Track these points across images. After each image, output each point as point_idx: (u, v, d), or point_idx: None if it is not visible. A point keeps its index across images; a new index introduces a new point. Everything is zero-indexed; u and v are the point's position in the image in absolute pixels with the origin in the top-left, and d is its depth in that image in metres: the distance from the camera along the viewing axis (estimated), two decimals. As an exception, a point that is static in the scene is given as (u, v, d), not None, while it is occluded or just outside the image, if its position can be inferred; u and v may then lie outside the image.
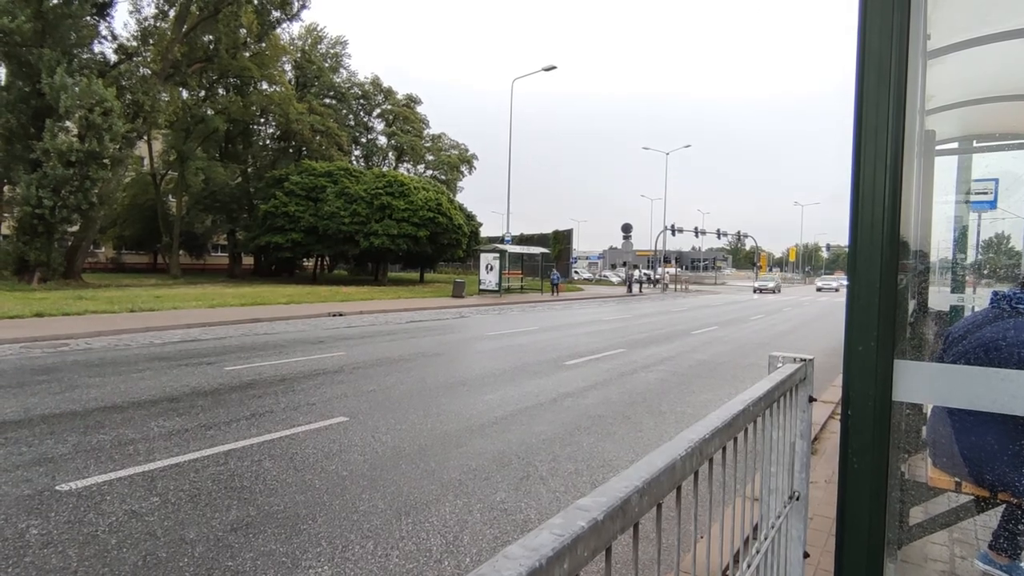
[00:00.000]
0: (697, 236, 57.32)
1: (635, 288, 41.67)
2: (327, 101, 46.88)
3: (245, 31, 32.69)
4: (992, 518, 2.82)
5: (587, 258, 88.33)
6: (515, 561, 0.60)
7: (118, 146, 24.28)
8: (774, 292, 45.35)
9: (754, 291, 42.47)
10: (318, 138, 41.96)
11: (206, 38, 31.36)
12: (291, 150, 43.58)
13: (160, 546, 3.37)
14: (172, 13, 29.70)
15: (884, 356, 1.58)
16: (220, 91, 38.59)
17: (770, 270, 65.33)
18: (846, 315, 1.62)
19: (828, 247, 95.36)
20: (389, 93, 52.01)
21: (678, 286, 51.88)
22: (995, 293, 2.58)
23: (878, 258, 1.57)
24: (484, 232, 47.30)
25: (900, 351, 1.70)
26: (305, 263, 46.06)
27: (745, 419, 1.32)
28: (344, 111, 48.77)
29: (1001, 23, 2.95)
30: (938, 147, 4.31)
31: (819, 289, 50.83)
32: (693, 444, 1.00)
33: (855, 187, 1.62)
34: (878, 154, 1.60)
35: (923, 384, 1.65)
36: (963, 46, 3.05)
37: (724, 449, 1.21)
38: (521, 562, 0.59)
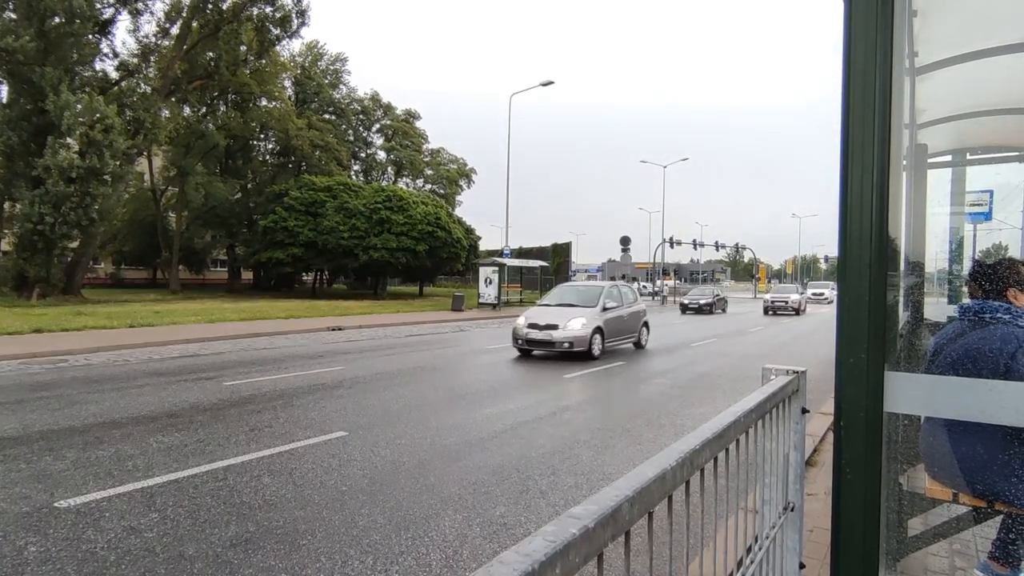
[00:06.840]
0: (695, 248, 57.45)
1: (634, 300, 41.62)
2: (327, 117, 47.22)
3: (245, 48, 33.00)
4: (991, 528, 2.82)
5: (586, 271, 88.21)
6: (509, 566, 0.62)
7: (119, 162, 24.41)
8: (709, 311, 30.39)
9: (683, 310, 30.82)
10: (317, 153, 42.23)
11: (207, 55, 31.69)
12: (291, 165, 43.82)
13: (159, 563, 3.37)
14: (173, 31, 30.01)
15: (875, 367, 1.60)
16: (220, 107, 38.92)
17: (768, 281, 64.20)
18: (836, 327, 1.64)
19: (826, 258, 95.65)
20: (388, 108, 52.40)
21: (677, 298, 51.90)
22: (960, 306, 2.62)
23: (867, 271, 1.60)
24: (483, 245, 47.41)
25: (891, 362, 1.72)
26: (304, 278, 46.10)
27: (736, 430, 1.34)
28: (343, 126, 49.10)
29: (989, 39, 3.01)
30: (931, 160, 4.35)
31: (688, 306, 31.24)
32: (683, 455, 1.02)
33: (843, 201, 1.66)
34: (865, 168, 1.64)
35: (914, 395, 1.67)
36: (952, 61, 3.11)
37: (716, 460, 1.23)
38: (515, 567, 0.62)
